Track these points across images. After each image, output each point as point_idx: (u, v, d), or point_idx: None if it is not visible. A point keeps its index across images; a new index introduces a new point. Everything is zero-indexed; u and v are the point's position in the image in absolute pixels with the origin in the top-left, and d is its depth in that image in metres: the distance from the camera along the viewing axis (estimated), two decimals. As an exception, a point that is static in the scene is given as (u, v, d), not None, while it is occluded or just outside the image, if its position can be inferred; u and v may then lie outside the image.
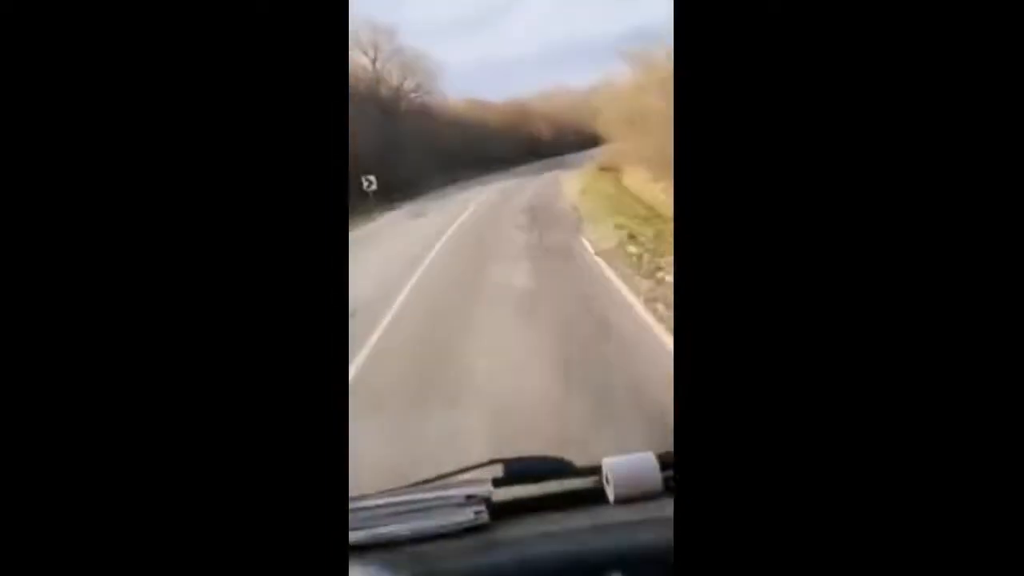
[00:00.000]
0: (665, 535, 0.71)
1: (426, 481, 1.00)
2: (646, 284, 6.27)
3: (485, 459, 1.05)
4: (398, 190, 21.69)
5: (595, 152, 26.23)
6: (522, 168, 31.16)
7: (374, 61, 30.69)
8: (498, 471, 1.03)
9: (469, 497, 0.91)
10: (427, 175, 25.55)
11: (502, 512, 0.94)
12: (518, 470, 1.03)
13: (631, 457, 0.96)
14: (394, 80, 32.14)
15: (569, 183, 19.03)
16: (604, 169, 20.58)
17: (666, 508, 0.85)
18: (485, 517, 0.89)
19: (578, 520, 0.91)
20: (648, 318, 5.19)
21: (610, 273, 6.97)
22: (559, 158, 34.92)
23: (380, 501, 0.91)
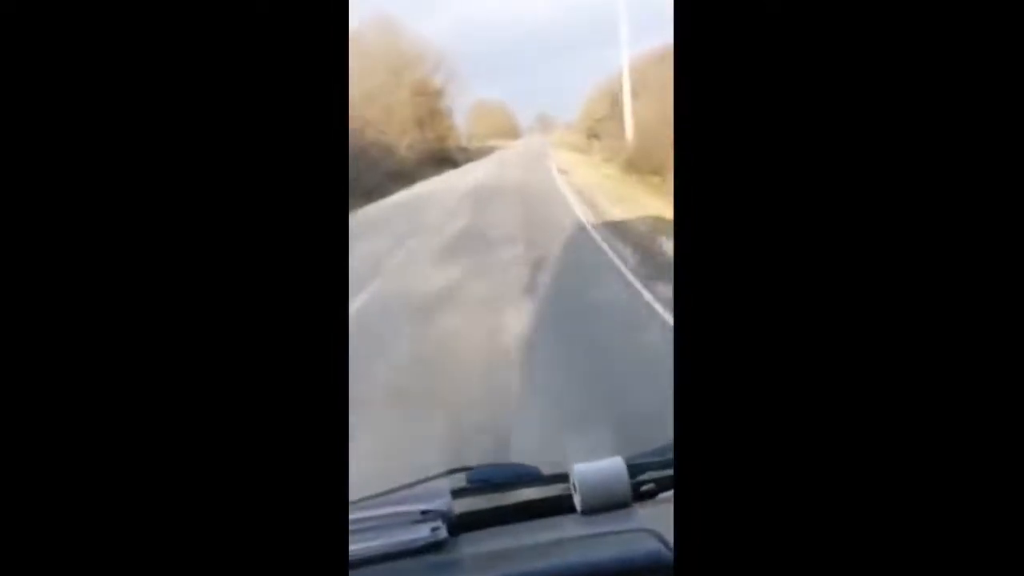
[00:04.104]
0: (632, 550, 0.76)
1: (380, 495, 0.92)
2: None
3: (443, 467, 1.01)
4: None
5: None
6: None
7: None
8: (459, 480, 0.98)
9: (425, 512, 0.85)
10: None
11: (462, 525, 0.89)
12: (480, 479, 0.99)
13: (600, 464, 0.93)
14: None
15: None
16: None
17: (633, 519, 0.88)
18: (443, 533, 0.84)
19: (542, 534, 0.87)
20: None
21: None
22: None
23: None
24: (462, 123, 45.55)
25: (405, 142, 24.42)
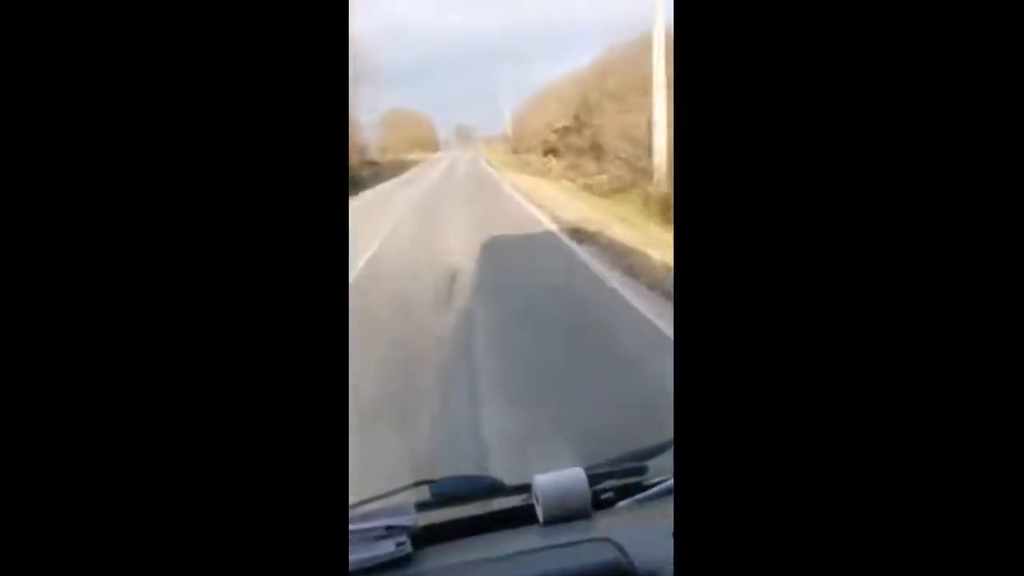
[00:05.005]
0: (591, 559, 0.77)
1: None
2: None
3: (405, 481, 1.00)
4: None
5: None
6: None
7: None
8: (423, 493, 0.98)
9: (389, 528, 0.84)
10: None
11: (427, 538, 0.88)
12: (446, 492, 0.98)
13: (560, 474, 0.93)
14: None
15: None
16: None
17: (593, 528, 0.88)
18: (407, 548, 0.83)
19: (505, 545, 0.86)
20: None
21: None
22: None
23: None
24: (371, 132, 36.81)
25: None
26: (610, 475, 0.98)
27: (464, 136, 76.25)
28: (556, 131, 21.29)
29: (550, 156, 20.83)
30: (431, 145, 64.05)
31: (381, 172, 27.33)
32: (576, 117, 20.13)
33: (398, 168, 30.74)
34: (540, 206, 11.70)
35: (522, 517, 0.92)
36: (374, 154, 33.35)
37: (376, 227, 10.04)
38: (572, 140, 19.73)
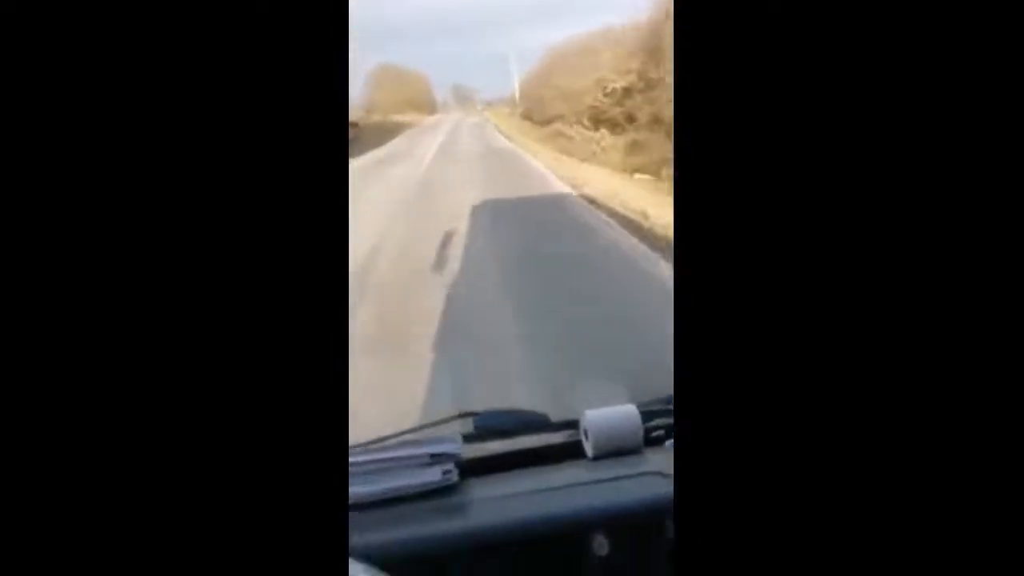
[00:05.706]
0: (645, 492, 0.77)
1: (388, 437, 0.90)
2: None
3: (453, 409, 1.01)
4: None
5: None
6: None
7: None
8: (468, 426, 0.96)
9: (435, 456, 0.83)
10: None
11: (472, 470, 0.87)
12: (490, 425, 0.97)
13: (611, 410, 0.91)
14: None
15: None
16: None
17: (644, 464, 0.87)
18: (454, 477, 0.82)
19: (554, 478, 0.86)
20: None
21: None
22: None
23: None
24: (354, 90, 30.26)
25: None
26: (662, 412, 0.97)
27: (463, 97, 69.26)
28: (608, 94, 14.99)
29: (603, 130, 14.55)
30: (426, 106, 57.18)
31: (361, 137, 20.91)
32: (640, 74, 13.87)
33: (384, 133, 24.25)
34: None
35: (569, 453, 0.91)
36: (356, 115, 26.83)
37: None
38: (638, 106, 13.51)
